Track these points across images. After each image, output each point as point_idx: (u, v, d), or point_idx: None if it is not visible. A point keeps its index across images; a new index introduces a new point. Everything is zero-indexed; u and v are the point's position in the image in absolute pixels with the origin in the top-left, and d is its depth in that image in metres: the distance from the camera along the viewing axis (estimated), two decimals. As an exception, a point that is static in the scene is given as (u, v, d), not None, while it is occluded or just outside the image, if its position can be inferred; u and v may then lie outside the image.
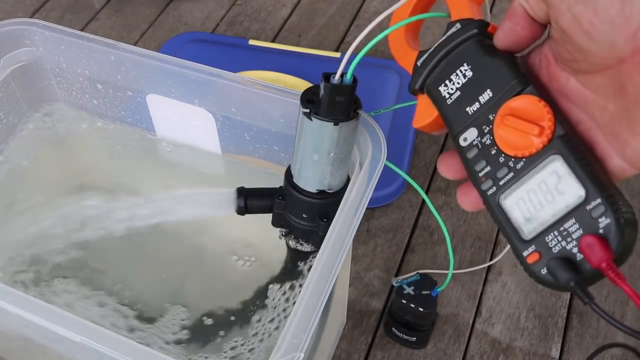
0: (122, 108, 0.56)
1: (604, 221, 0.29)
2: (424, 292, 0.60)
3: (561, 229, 0.30)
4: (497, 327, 0.66)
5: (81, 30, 0.73)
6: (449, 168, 0.35)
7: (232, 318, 0.51)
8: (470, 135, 0.33)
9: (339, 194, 0.44)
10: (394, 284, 0.61)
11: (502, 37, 0.32)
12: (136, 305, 0.51)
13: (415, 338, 0.63)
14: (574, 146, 0.30)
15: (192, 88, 0.50)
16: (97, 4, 1.00)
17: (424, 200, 0.75)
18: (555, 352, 0.65)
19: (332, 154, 0.41)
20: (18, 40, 0.53)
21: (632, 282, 0.69)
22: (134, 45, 0.58)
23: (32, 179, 0.58)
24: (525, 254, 0.31)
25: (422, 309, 0.59)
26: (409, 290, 0.60)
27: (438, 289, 0.59)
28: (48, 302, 0.38)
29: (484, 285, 0.69)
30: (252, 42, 0.90)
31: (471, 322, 0.67)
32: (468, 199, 0.35)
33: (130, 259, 0.55)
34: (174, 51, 0.88)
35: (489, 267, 0.70)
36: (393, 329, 0.63)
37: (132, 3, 1.00)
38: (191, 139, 0.56)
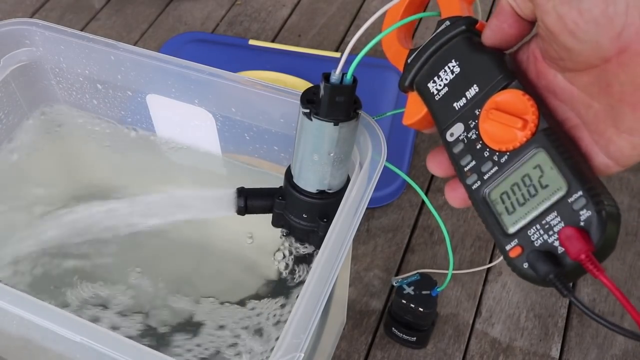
0: (122, 108, 0.56)
1: (585, 214, 0.28)
2: (424, 292, 0.60)
3: (543, 222, 0.30)
4: (497, 327, 0.66)
5: (81, 30, 0.72)
6: (438, 165, 0.36)
7: (233, 317, 0.51)
8: (456, 130, 0.33)
9: (339, 194, 0.44)
10: (394, 284, 0.61)
11: (490, 35, 0.32)
12: (137, 304, 0.51)
13: (415, 338, 0.63)
14: (557, 139, 0.30)
15: (192, 88, 0.50)
16: (97, 4, 1.00)
17: (424, 200, 0.75)
18: (555, 352, 0.65)
19: (332, 154, 0.41)
20: (18, 40, 0.53)
21: (632, 282, 0.69)
22: (134, 45, 0.58)
23: (33, 179, 0.58)
24: (507, 248, 0.31)
25: (422, 309, 0.59)
26: (409, 290, 0.60)
27: (438, 289, 0.59)
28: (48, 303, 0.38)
29: (484, 285, 0.69)
30: (252, 42, 0.90)
31: (471, 322, 0.67)
32: (456, 195, 0.35)
33: (130, 259, 0.55)
34: (174, 51, 0.88)
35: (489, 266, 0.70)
36: (393, 329, 0.63)
37: (132, 3, 1.00)
38: (191, 139, 0.56)
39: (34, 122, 0.59)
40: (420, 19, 0.40)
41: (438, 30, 0.35)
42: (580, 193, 0.29)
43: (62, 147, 0.60)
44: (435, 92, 0.34)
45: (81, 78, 0.55)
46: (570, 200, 0.29)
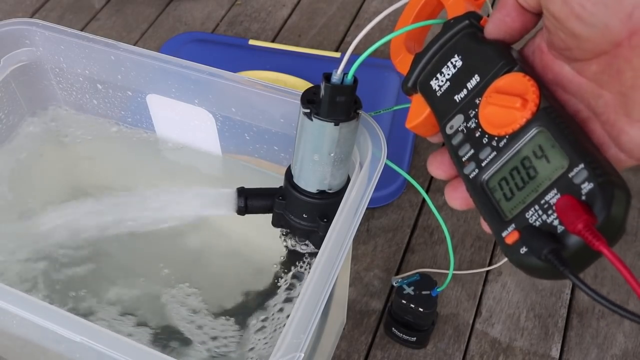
0: (122, 108, 0.56)
1: (586, 186, 0.26)
2: (424, 292, 0.60)
3: (542, 202, 0.27)
4: (497, 327, 0.66)
5: (81, 30, 0.72)
6: (439, 166, 0.34)
7: (232, 317, 0.51)
8: (456, 122, 0.32)
9: (339, 194, 0.44)
10: (394, 284, 0.61)
11: (492, 29, 0.31)
12: (135, 304, 0.51)
13: (415, 338, 0.63)
14: (559, 116, 0.28)
15: (192, 88, 0.50)
16: (97, 4, 1.00)
17: (423, 200, 0.75)
18: (555, 352, 0.65)
19: (332, 154, 0.41)
20: (18, 40, 0.53)
21: (632, 282, 0.69)
22: (134, 45, 0.58)
23: (33, 179, 0.58)
24: (504, 234, 0.28)
25: (422, 309, 0.59)
26: (409, 290, 0.60)
27: (438, 289, 0.59)
28: (48, 302, 0.38)
29: (484, 285, 0.69)
30: (252, 42, 0.90)
31: (471, 322, 0.67)
32: (457, 195, 0.33)
33: (129, 259, 0.55)
34: (174, 51, 0.88)
35: (488, 266, 0.70)
36: (393, 329, 0.63)
37: (132, 3, 1.00)
38: (191, 139, 0.56)
39: (34, 122, 0.59)
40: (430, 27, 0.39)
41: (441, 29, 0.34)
42: (581, 166, 0.26)
43: (62, 147, 0.60)
44: (437, 88, 0.33)
45: (81, 78, 0.55)
46: (571, 174, 0.26)
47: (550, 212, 0.27)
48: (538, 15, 0.30)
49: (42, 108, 0.59)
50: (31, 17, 0.95)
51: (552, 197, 0.27)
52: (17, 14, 0.98)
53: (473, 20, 0.33)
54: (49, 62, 0.55)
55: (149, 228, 0.51)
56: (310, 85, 0.43)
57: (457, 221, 0.74)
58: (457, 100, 0.32)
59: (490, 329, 0.66)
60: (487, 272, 0.70)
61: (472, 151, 0.31)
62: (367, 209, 0.43)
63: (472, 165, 0.31)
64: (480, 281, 0.69)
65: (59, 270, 0.53)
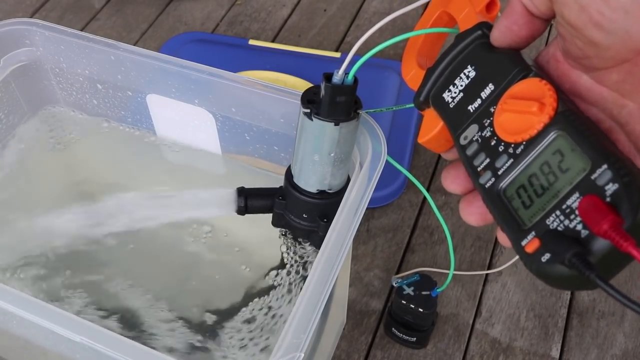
0: (122, 108, 0.56)
1: (611, 187, 0.24)
2: (423, 293, 0.60)
3: (563, 207, 0.26)
4: (497, 327, 0.66)
5: (81, 30, 0.72)
6: (455, 180, 0.33)
7: (232, 317, 0.51)
8: (470, 132, 0.31)
9: (339, 194, 0.44)
10: (394, 284, 0.61)
11: (498, 36, 0.31)
12: (134, 303, 0.51)
13: (415, 338, 0.63)
14: (578, 119, 0.27)
15: (192, 88, 0.50)
16: (97, 4, 1.00)
17: (424, 200, 0.75)
18: (555, 352, 0.65)
19: (332, 154, 0.41)
20: (18, 40, 0.53)
21: (632, 282, 0.69)
22: (134, 45, 0.58)
23: (33, 179, 0.58)
24: (523, 243, 0.27)
25: (422, 310, 0.59)
26: (409, 290, 0.60)
27: (438, 290, 0.59)
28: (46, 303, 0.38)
29: (484, 285, 0.69)
30: (252, 42, 0.90)
31: (471, 322, 0.67)
32: (472, 210, 0.32)
33: (129, 259, 0.55)
34: (174, 51, 0.88)
35: (488, 266, 0.70)
36: (393, 329, 0.63)
37: (132, 3, 1.00)
38: (191, 139, 0.56)
39: (34, 122, 0.59)
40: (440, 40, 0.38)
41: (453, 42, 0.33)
42: (605, 167, 0.25)
43: (62, 147, 0.60)
44: (450, 100, 0.33)
45: (81, 78, 0.55)
46: (593, 176, 0.25)
47: (572, 216, 0.26)
48: (547, 21, 0.29)
49: (42, 108, 0.59)
50: (31, 17, 0.95)
51: (574, 201, 0.26)
52: (17, 14, 0.98)
53: (485, 30, 0.32)
54: (49, 62, 0.55)
55: (148, 228, 0.51)
56: (310, 85, 0.43)
57: (457, 221, 0.74)
58: (471, 111, 0.32)
59: (490, 329, 0.66)
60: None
61: (487, 160, 0.30)
62: (367, 209, 0.43)
63: (488, 174, 0.30)
64: (480, 281, 0.69)
65: (57, 270, 0.53)
